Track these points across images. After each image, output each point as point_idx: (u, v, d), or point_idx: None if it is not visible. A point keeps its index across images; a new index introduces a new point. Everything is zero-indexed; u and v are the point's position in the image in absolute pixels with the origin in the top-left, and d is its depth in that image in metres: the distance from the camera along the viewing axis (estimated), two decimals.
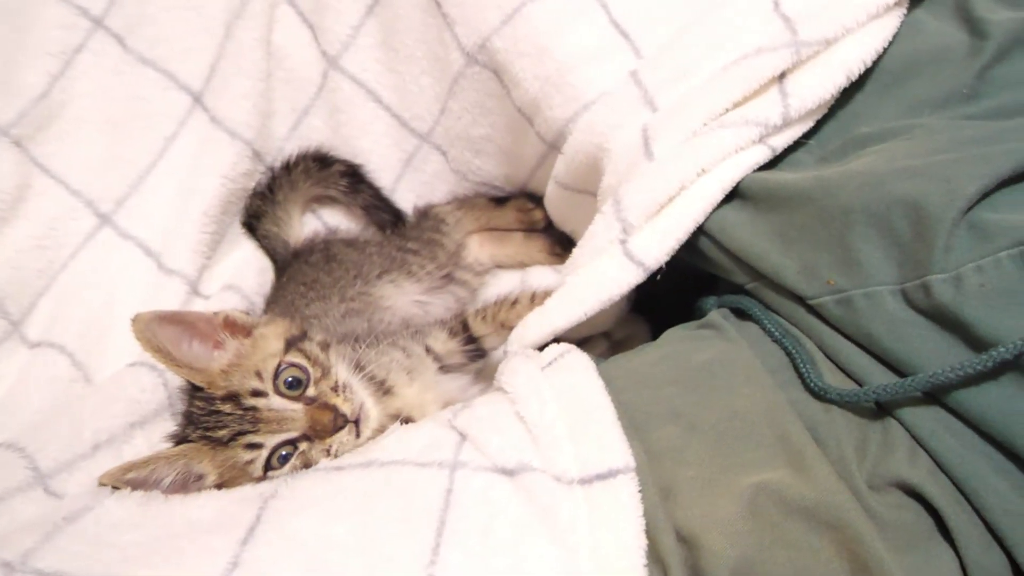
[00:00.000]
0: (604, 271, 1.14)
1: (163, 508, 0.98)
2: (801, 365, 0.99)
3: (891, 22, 1.13)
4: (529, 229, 1.71)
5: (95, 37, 1.47)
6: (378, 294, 1.51)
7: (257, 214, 1.61)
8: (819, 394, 0.96)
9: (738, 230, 1.09)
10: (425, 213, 1.67)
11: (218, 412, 1.08)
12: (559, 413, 0.98)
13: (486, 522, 0.88)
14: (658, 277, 1.12)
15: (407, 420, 1.16)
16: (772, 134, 1.12)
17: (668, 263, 1.11)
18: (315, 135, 1.65)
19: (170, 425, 1.22)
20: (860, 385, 0.96)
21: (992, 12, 1.11)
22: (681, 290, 1.23)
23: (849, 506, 0.87)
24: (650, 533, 0.87)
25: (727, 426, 0.96)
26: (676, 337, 1.15)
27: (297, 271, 1.56)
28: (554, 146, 1.38)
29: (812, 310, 1.02)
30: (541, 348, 1.18)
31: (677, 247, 1.11)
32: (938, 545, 0.87)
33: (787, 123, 1.11)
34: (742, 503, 0.89)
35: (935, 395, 0.89)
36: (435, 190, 1.69)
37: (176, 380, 1.22)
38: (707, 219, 1.11)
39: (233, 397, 1.08)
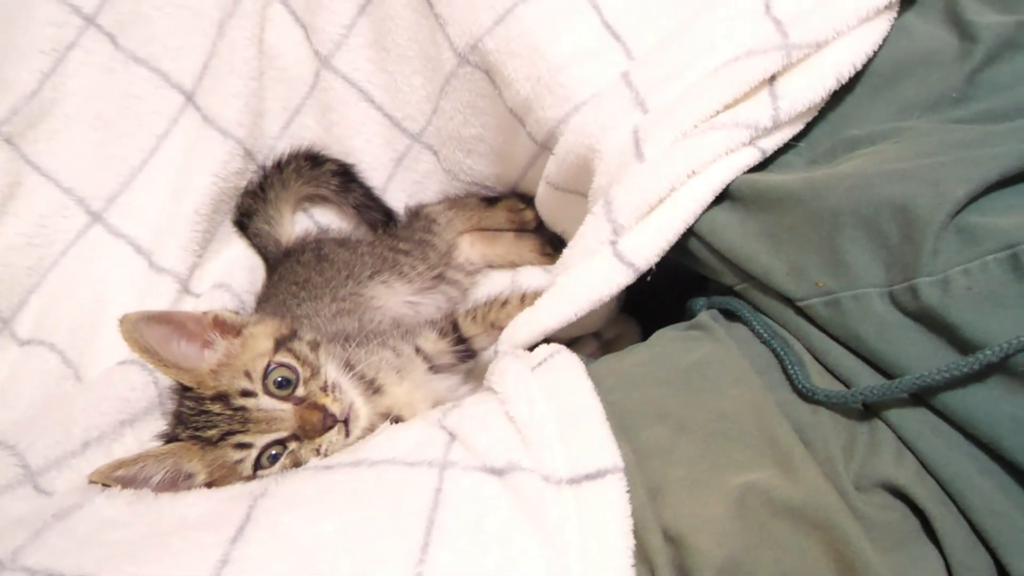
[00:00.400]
0: (594, 272, 1.14)
1: (153, 506, 0.98)
2: (789, 366, 0.99)
3: (881, 25, 1.14)
4: (520, 229, 1.71)
5: (87, 35, 1.47)
6: (369, 294, 1.51)
7: (248, 212, 1.61)
8: (807, 395, 0.97)
9: (728, 231, 1.10)
10: (416, 213, 1.67)
11: (207, 412, 1.08)
12: (548, 413, 0.99)
13: (475, 521, 0.88)
14: (648, 278, 1.12)
15: (397, 419, 1.16)
16: (762, 136, 1.12)
17: (658, 264, 1.11)
18: (307, 134, 1.65)
19: (161, 423, 1.22)
20: (848, 386, 0.96)
21: (981, 16, 1.12)
22: (672, 291, 1.23)
23: (836, 506, 0.87)
24: (638, 533, 0.88)
25: (715, 427, 0.96)
26: (665, 338, 1.15)
27: (288, 270, 1.56)
28: (545, 147, 1.38)
29: (801, 312, 1.02)
30: (531, 348, 1.18)
31: (667, 248, 1.11)
32: (924, 545, 0.88)
33: (777, 125, 1.11)
34: (730, 503, 0.89)
35: (922, 397, 0.89)
36: (426, 190, 1.69)
37: (166, 379, 1.22)
38: (697, 220, 1.12)
39: (222, 397, 1.08)
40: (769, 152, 1.12)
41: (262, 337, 1.15)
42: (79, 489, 1.02)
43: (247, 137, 1.56)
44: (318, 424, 1.07)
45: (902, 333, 0.92)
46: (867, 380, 0.94)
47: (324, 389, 1.11)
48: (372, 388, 1.20)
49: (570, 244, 1.25)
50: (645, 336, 1.19)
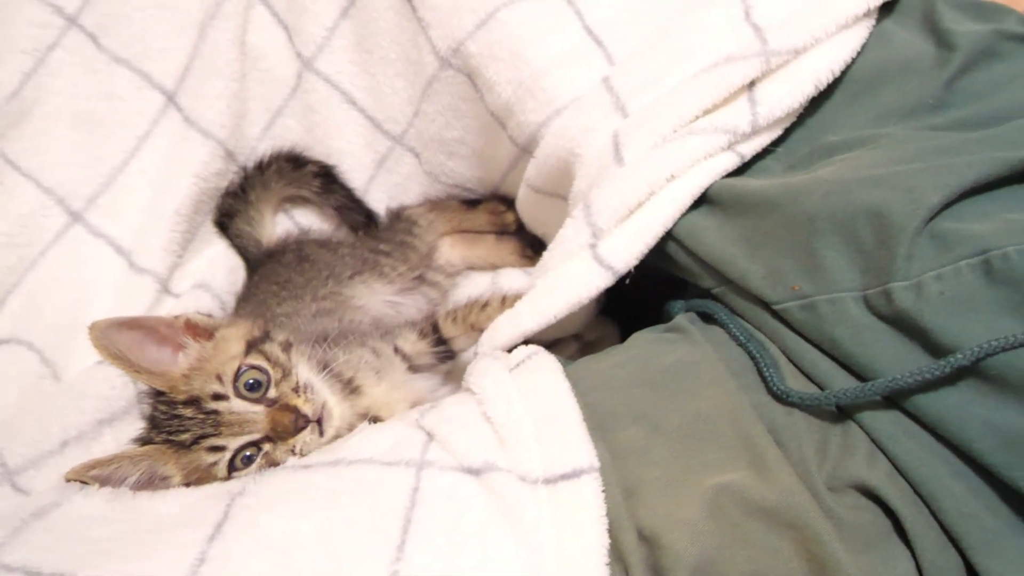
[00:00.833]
0: (574, 274, 1.15)
1: (131, 504, 0.98)
2: (764, 369, 1.00)
3: (860, 32, 1.15)
4: (501, 232, 1.72)
5: (69, 35, 1.47)
6: (350, 294, 1.51)
7: (229, 213, 1.61)
8: (782, 397, 0.97)
9: (706, 235, 1.10)
10: (397, 215, 1.67)
11: (180, 416, 1.07)
12: (525, 414, 0.99)
13: (452, 520, 0.89)
14: (627, 281, 1.13)
15: (375, 419, 1.16)
16: (741, 141, 1.13)
17: (637, 267, 1.12)
18: (289, 135, 1.65)
19: (140, 423, 1.22)
20: (822, 389, 0.97)
21: (959, 24, 1.13)
22: (651, 294, 1.24)
23: (808, 507, 0.88)
24: (613, 532, 0.88)
25: (690, 428, 0.97)
26: (643, 340, 1.16)
27: (270, 271, 1.55)
28: (526, 150, 1.39)
29: (777, 315, 1.03)
30: (511, 350, 1.19)
31: (646, 251, 1.12)
32: (895, 546, 0.88)
33: (756, 131, 1.12)
34: (704, 503, 0.90)
35: (895, 399, 0.90)
36: (408, 192, 1.69)
37: None
38: (675, 224, 1.12)
39: (194, 401, 1.08)
40: (748, 157, 1.13)
41: (233, 340, 1.15)
42: (57, 487, 1.01)
43: (229, 138, 1.56)
44: (290, 425, 1.06)
45: (876, 336, 0.93)
46: (842, 383, 0.95)
47: (296, 390, 1.11)
48: (350, 388, 1.20)
49: (550, 247, 1.25)
50: (625, 338, 1.20)
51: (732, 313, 1.10)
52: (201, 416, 1.07)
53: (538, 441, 0.96)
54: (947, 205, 0.92)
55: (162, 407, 1.10)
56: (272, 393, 1.10)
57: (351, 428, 1.13)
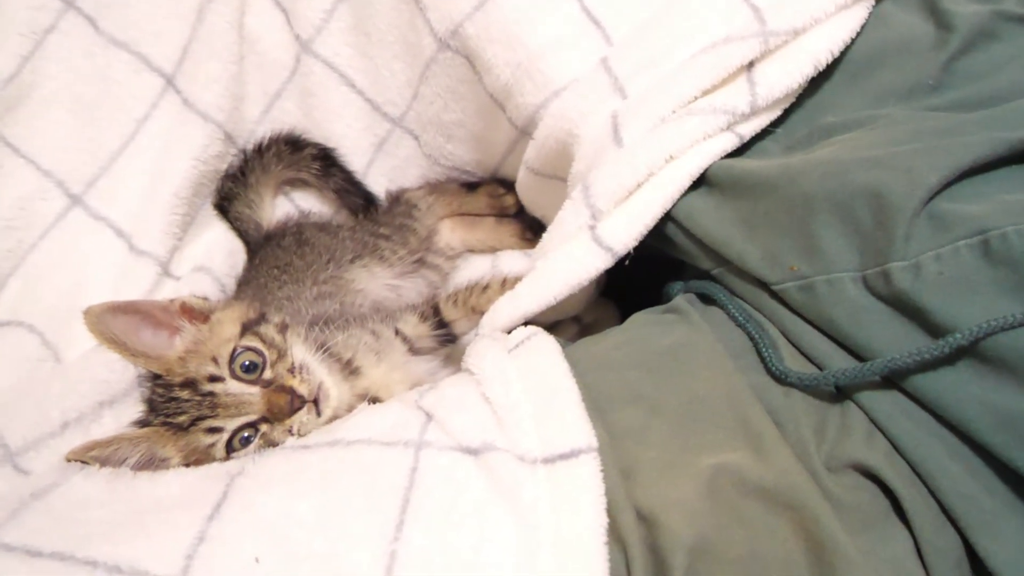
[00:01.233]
0: (573, 256, 1.15)
1: (131, 484, 0.98)
2: (763, 349, 1.00)
3: (859, 13, 1.15)
4: (500, 214, 1.71)
5: (66, 18, 1.47)
6: (350, 278, 1.51)
7: (229, 196, 1.61)
8: (780, 378, 0.98)
9: (704, 216, 1.10)
10: (397, 198, 1.67)
11: (177, 399, 1.08)
12: (524, 394, 0.99)
13: (450, 500, 0.89)
14: (626, 262, 1.13)
15: (374, 400, 1.17)
16: (739, 122, 1.13)
17: (636, 248, 1.12)
18: (287, 118, 1.64)
19: (140, 405, 1.22)
20: (820, 369, 0.97)
21: (958, 4, 1.13)
22: (650, 275, 1.24)
23: (807, 487, 0.88)
24: (611, 512, 0.88)
25: (688, 408, 0.97)
26: (641, 321, 1.16)
27: (270, 254, 1.55)
28: (525, 132, 1.38)
29: (775, 295, 1.03)
30: (511, 332, 1.19)
31: (645, 233, 1.12)
32: (893, 526, 0.89)
33: (755, 112, 1.12)
34: (701, 483, 0.90)
35: (893, 380, 0.91)
36: (407, 174, 1.69)
37: None
38: (674, 205, 1.12)
39: (191, 383, 1.08)
40: (746, 138, 1.13)
41: (228, 322, 1.15)
42: (57, 468, 1.02)
43: (227, 121, 1.56)
44: (285, 406, 1.07)
45: (874, 317, 0.93)
46: (840, 363, 0.95)
47: (291, 371, 1.11)
48: (349, 369, 1.21)
49: (549, 229, 1.25)
50: (624, 320, 1.20)
51: (731, 294, 1.10)
52: (198, 398, 1.07)
53: (536, 421, 0.96)
54: (945, 186, 0.93)
55: (159, 390, 1.10)
56: (268, 374, 1.11)
57: (350, 409, 1.13)
